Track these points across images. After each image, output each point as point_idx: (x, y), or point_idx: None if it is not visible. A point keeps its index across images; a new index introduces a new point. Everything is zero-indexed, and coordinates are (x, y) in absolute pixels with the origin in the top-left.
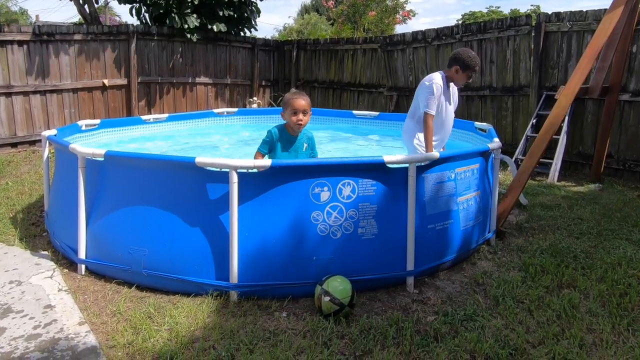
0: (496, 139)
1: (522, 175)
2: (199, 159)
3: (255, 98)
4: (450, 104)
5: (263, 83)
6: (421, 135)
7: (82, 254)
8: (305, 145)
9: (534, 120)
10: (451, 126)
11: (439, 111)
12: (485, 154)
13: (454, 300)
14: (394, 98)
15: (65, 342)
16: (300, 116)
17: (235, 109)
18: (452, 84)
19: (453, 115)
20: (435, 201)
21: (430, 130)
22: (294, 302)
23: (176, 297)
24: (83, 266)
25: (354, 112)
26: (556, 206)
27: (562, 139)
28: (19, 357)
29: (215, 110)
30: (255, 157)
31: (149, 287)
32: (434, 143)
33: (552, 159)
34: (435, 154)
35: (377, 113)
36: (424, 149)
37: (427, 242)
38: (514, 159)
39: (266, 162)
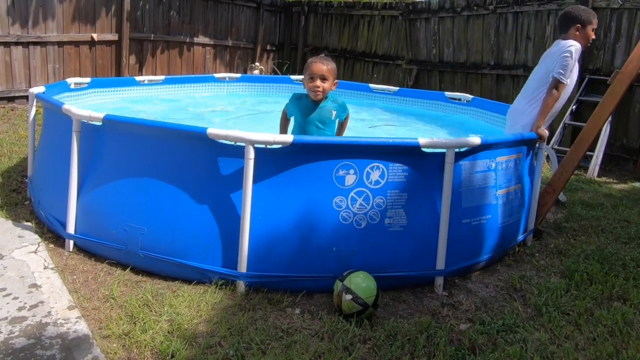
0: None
1: (566, 169)
2: (211, 130)
3: (257, 63)
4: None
5: (267, 47)
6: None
7: (71, 229)
8: (333, 112)
9: (574, 107)
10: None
11: (569, 84)
12: (530, 143)
13: (489, 307)
14: (414, 72)
15: (53, 328)
16: (317, 82)
17: (238, 75)
18: None
19: None
20: (472, 193)
21: (553, 99)
22: (308, 297)
23: (175, 283)
24: (71, 242)
25: (371, 85)
26: (598, 205)
27: (605, 130)
28: (2, 342)
29: (216, 75)
30: (281, 118)
31: (145, 271)
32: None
33: (593, 151)
34: (476, 139)
35: (397, 88)
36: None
37: (461, 238)
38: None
39: (287, 137)
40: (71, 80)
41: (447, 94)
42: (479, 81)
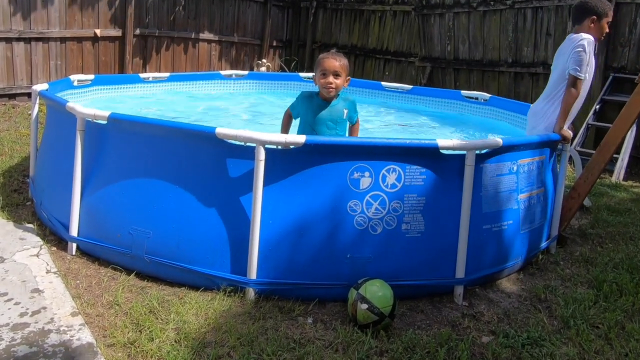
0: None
1: (591, 173)
2: (220, 130)
3: (264, 60)
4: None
5: (274, 44)
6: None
7: (74, 231)
8: (345, 111)
9: (598, 106)
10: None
11: (587, 78)
12: (553, 144)
13: (512, 319)
14: (427, 70)
15: (56, 335)
16: (330, 78)
17: (245, 72)
18: None
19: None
20: (493, 197)
21: (573, 98)
22: (321, 306)
23: (182, 289)
24: (74, 245)
25: (383, 83)
26: (626, 211)
27: (631, 131)
28: (3, 350)
29: (223, 72)
30: (283, 118)
31: (150, 276)
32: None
33: (618, 154)
34: (498, 140)
35: (410, 87)
36: None
37: (481, 245)
38: None
39: (300, 137)
40: (74, 78)
41: (464, 92)
42: (496, 79)
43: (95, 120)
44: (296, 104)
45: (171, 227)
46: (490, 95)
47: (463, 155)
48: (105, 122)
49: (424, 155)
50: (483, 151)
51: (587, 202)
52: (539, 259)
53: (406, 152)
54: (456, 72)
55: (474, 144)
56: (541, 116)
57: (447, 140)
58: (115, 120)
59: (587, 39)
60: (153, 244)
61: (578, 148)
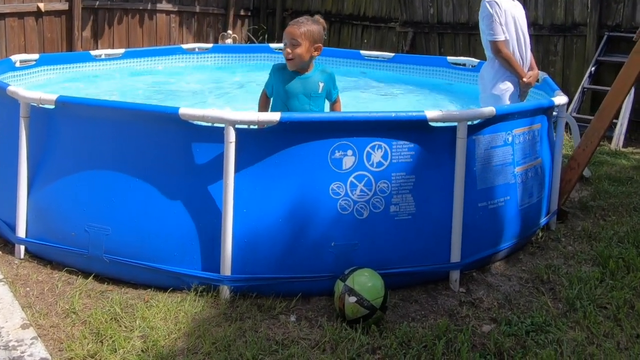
0: (560, 92)
1: (590, 141)
2: (184, 110)
3: (230, 32)
4: (524, 22)
5: (241, 13)
6: (501, 84)
7: (21, 232)
8: (320, 85)
9: (593, 69)
10: (529, 58)
11: (512, 36)
12: (548, 111)
13: (514, 304)
14: (409, 35)
15: (4, 352)
16: (288, 49)
17: (209, 45)
18: None
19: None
20: (487, 172)
21: (508, 59)
22: (305, 301)
23: (148, 291)
24: (22, 247)
25: (362, 52)
26: (627, 180)
27: (630, 94)
28: None
29: (184, 46)
30: (259, 99)
31: (111, 278)
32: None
33: (617, 118)
34: (491, 109)
35: (392, 54)
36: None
37: (477, 225)
38: None
39: (273, 115)
40: (16, 58)
41: (450, 58)
42: None
43: (41, 105)
44: (269, 80)
45: (133, 222)
46: (478, 60)
47: (454, 127)
48: (52, 106)
49: (411, 129)
50: (475, 122)
51: (586, 172)
52: (538, 237)
53: (392, 127)
54: (440, 37)
55: (466, 114)
56: (487, 79)
57: (436, 111)
58: (64, 104)
59: (488, 1)
60: (112, 242)
61: (574, 114)
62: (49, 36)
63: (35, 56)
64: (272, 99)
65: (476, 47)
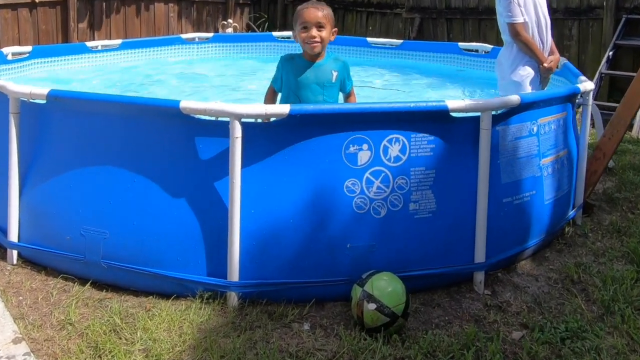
0: (584, 78)
1: (617, 129)
2: (186, 104)
3: (230, 20)
4: (544, 3)
5: (241, 1)
6: (521, 70)
7: (13, 236)
8: (334, 73)
9: (610, 53)
10: (550, 42)
11: (531, 19)
12: (573, 99)
13: (544, 307)
14: (416, 21)
15: None
16: (314, 31)
17: (210, 34)
18: None
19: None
20: (512, 165)
21: (528, 43)
22: (319, 308)
23: (149, 299)
24: (15, 252)
25: (369, 39)
26: None
27: None
28: None
29: (183, 36)
30: (266, 96)
31: (109, 285)
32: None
33: None
34: (515, 97)
35: (400, 41)
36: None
37: (502, 222)
38: None
39: (282, 108)
40: (8, 50)
41: (461, 44)
42: (494, 28)
43: (31, 100)
44: (277, 73)
45: (132, 225)
46: (491, 46)
47: (477, 118)
48: (44, 101)
49: (431, 120)
50: (499, 111)
51: (610, 162)
52: (565, 232)
53: (410, 118)
54: (449, 22)
55: (490, 104)
56: (505, 65)
57: (458, 101)
58: (57, 98)
59: None
60: (111, 247)
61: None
62: (43, 28)
63: (29, 48)
64: (280, 93)
65: (486, 32)
